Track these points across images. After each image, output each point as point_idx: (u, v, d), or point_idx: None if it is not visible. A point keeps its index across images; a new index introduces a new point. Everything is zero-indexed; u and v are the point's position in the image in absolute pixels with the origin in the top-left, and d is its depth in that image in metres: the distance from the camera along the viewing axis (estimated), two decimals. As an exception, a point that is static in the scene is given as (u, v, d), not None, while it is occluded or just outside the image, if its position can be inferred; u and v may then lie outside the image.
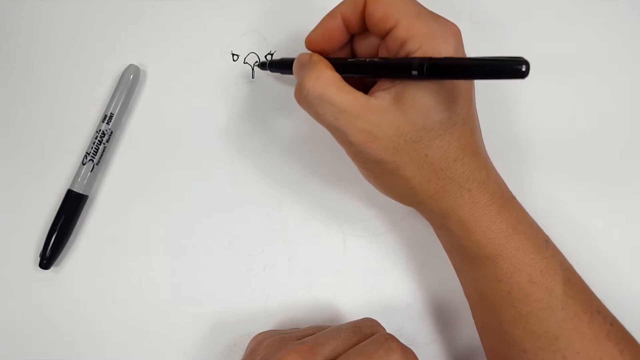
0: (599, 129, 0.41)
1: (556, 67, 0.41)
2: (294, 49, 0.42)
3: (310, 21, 0.40)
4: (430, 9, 0.30)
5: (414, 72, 0.27)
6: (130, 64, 0.41)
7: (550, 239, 0.33)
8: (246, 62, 0.42)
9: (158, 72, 0.42)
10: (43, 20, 0.42)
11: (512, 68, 0.23)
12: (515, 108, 0.41)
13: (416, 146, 0.29)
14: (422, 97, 0.28)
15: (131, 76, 0.40)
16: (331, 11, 0.32)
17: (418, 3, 0.30)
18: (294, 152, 0.41)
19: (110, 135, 0.40)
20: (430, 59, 0.26)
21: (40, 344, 0.40)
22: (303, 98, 0.30)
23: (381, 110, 0.29)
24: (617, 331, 0.31)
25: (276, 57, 0.42)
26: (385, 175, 0.31)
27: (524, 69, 0.22)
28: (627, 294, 0.39)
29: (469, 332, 0.36)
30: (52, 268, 0.40)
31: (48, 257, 0.39)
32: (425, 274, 0.40)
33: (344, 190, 0.40)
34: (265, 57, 0.42)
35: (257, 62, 0.42)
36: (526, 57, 0.23)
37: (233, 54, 0.42)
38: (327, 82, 0.29)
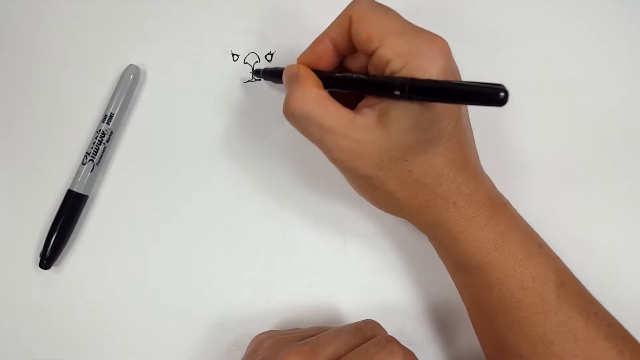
0: (597, 130, 0.41)
1: (554, 69, 0.41)
2: (294, 49, 0.42)
3: (310, 21, 0.40)
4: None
5: (397, 92, 0.27)
6: (130, 64, 0.41)
7: (544, 243, 0.33)
8: (246, 62, 0.42)
9: (158, 72, 0.42)
10: (43, 20, 0.42)
11: (490, 95, 0.22)
12: (512, 110, 0.41)
13: (400, 163, 0.30)
14: (404, 116, 0.28)
15: (131, 76, 0.40)
16: (319, 35, 0.32)
17: (402, 20, 0.30)
18: (294, 152, 0.41)
19: (110, 135, 0.40)
20: (413, 80, 0.26)
21: (40, 344, 0.40)
22: (290, 115, 0.31)
23: (365, 129, 0.29)
24: (616, 332, 0.31)
25: (276, 57, 0.42)
26: (371, 189, 0.32)
27: (502, 96, 0.22)
28: (627, 294, 0.39)
29: (469, 332, 0.36)
30: (52, 268, 0.40)
31: (48, 257, 0.39)
32: (425, 274, 0.40)
33: (344, 190, 0.40)
34: (266, 57, 0.42)
35: (257, 61, 0.42)
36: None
37: (233, 54, 0.42)
38: (312, 101, 0.30)
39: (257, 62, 0.42)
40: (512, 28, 0.42)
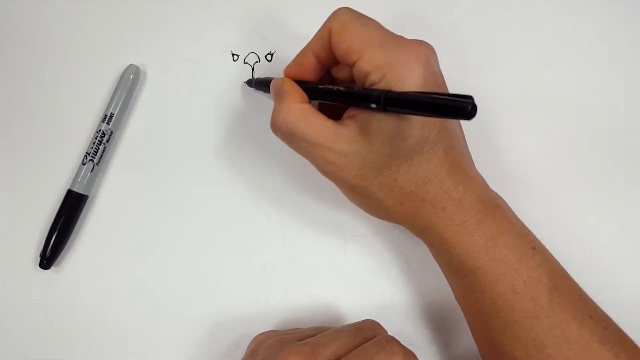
0: (597, 130, 0.41)
1: (554, 70, 0.41)
2: (294, 49, 0.41)
3: (310, 21, 0.40)
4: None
5: (373, 105, 0.27)
6: (130, 64, 0.41)
7: (540, 245, 0.33)
8: (246, 62, 0.42)
9: (158, 72, 0.42)
10: (43, 20, 0.42)
11: (458, 109, 0.22)
12: (513, 111, 0.41)
13: (384, 172, 0.30)
14: (385, 126, 0.29)
15: (131, 76, 0.40)
16: (303, 48, 0.33)
17: (382, 30, 0.30)
18: (294, 151, 0.40)
19: (110, 135, 0.40)
20: (388, 92, 0.26)
21: (40, 344, 0.40)
22: (277, 131, 0.32)
23: (348, 141, 0.30)
24: (612, 334, 0.31)
25: (276, 57, 0.42)
26: (361, 197, 0.33)
27: (469, 110, 0.22)
28: (626, 295, 0.39)
29: (468, 332, 0.36)
30: (52, 268, 0.40)
31: (48, 257, 0.39)
32: (425, 274, 0.40)
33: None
34: (266, 57, 0.42)
35: (257, 61, 0.42)
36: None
37: (233, 54, 0.42)
38: (296, 116, 0.31)
39: (257, 62, 0.42)
40: (513, 29, 0.42)
